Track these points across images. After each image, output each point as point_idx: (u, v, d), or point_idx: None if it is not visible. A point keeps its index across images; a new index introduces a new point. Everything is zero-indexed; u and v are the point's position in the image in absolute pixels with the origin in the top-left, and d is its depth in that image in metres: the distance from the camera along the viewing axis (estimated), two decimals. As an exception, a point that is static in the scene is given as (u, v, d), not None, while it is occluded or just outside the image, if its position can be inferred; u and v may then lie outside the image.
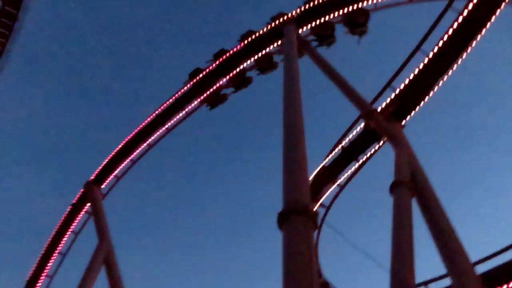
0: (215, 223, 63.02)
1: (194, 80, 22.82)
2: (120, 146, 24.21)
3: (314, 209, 20.72)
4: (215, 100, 22.84)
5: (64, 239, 23.36)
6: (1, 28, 19.72)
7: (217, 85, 22.46)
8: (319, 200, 21.55)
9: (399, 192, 12.72)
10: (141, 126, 24.02)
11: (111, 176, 24.17)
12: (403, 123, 17.53)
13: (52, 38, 60.54)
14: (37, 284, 22.43)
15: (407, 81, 17.57)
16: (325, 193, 21.89)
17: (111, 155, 24.21)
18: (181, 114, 23.38)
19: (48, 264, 22.89)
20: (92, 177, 23.97)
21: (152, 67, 69.34)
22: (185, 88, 23.02)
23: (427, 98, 17.69)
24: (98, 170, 24.10)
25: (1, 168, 58.59)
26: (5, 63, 21.22)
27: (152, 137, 24.01)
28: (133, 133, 24.13)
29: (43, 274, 22.64)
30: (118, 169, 24.26)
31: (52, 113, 63.30)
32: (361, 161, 20.70)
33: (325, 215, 21.60)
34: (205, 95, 22.64)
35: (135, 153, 24.27)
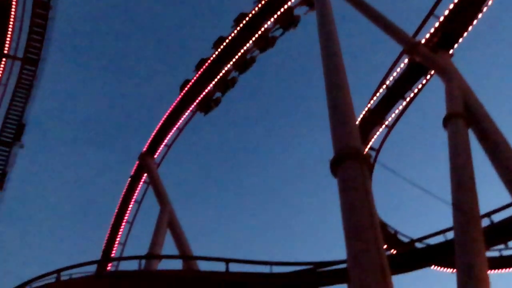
0: (268, 179, 64.31)
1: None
2: (165, 116, 24.88)
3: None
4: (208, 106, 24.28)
5: (129, 209, 24.93)
6: (38, 18, 20.29)
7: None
8: (368, 143, 21.23)
9: (453, 124, 12.27)
10: (181, 94, 24.37)
11: (162, 146, 25.10)
12: (450, 52, 16.55)
13: (88, 19, 61.60)
14: (112, 252, 24.39)
15: (451, 6, 16.34)
16: (374, 136, 21.49)
17: (158, 126, 24.99)
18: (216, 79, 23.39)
19: (119, 233, 24.70)
20: (144, 149, 25.03)
21: (193, 33, 69.06)
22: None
23: (475, 21, 16.46)
24: (149, 141, 25.07)
25: (61, 150, 62.76)
26: (46, 51, 21.95)
27: (194, 103, 24.34)
28: (176, 101, 24.60)
29: (116, 242, 24.52)
30: (167, 138, 25.08)
31: (98, 96, 65.91)
32: (408, 98, 19.96)
33: (375, 157, 21.31)
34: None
35: (180, 121, 24.88)
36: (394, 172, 10.47)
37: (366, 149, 21.04)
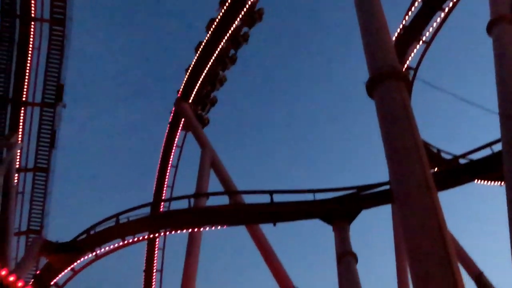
0: (306, 107, 63.77)
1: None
2: (194, 60, 24.71)
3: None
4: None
5: (172, 153, 25.84)
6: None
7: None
8: (405, 63, 20.24)
9: (499, 29, 11.37)
10: (206, 37, 23.85)
11: (195, 89, 25.19)
12: None
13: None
14: (162, 194, 25.82)
15: None
16: (411, 54, 20.42)
17: (189, 70, 24.96)
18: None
19: (166, 177, 25.94)
20: (179, 95, 25.30)
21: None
22: None
23: None
24: (182, 86, 25.23)
25: (102, 106, 65.04)
26: (71, 10, 21.93)
27: (220, 45, 23.78)
28: (204, 43, 24.17)
29: (164, 186, 25.86)
30: (199, 81, 25.07)
31: (128, 49, 66.15)
32: (447, 9, 18.55)
33: (414, 76, 20.37)
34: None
35: (210, 62, 24.65)
36: (435, 87, 10.05)
37: (404, 69, 20.15)
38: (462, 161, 17.81)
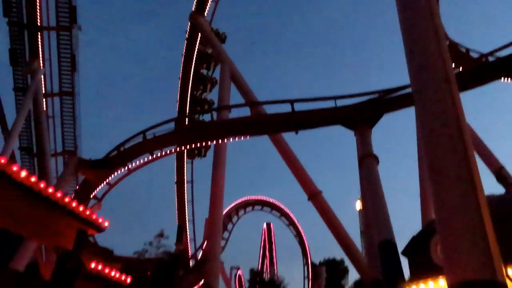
0: (324, 17, 61.05)
1: None
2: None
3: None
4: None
5: (192, 68, 25.61)
6: None
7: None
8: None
9: None
10: None
11: (209, 1, 24.13)
12: None
13: None
14: (186, 109, 26.19)
15: None
16: None
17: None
18: None
19: (188, 92, 26.03)
20: (193, 8, 24.34)
21: None
22: None
23: None
24: (196, -1, 24.16)
25: (119, 27, 63.90)
26: None
27: None
28: None
29: (187, 100, 26.12)
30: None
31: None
32: None
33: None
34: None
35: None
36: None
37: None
38: (490, 59, 16.92)
